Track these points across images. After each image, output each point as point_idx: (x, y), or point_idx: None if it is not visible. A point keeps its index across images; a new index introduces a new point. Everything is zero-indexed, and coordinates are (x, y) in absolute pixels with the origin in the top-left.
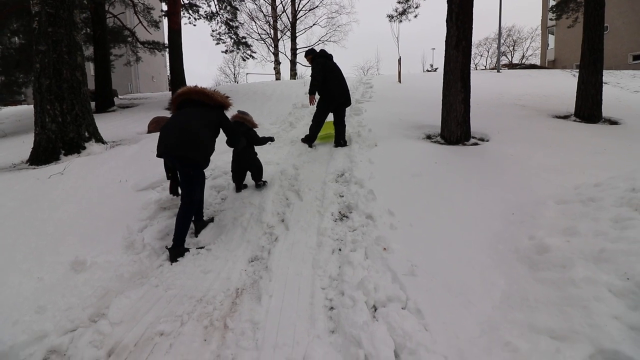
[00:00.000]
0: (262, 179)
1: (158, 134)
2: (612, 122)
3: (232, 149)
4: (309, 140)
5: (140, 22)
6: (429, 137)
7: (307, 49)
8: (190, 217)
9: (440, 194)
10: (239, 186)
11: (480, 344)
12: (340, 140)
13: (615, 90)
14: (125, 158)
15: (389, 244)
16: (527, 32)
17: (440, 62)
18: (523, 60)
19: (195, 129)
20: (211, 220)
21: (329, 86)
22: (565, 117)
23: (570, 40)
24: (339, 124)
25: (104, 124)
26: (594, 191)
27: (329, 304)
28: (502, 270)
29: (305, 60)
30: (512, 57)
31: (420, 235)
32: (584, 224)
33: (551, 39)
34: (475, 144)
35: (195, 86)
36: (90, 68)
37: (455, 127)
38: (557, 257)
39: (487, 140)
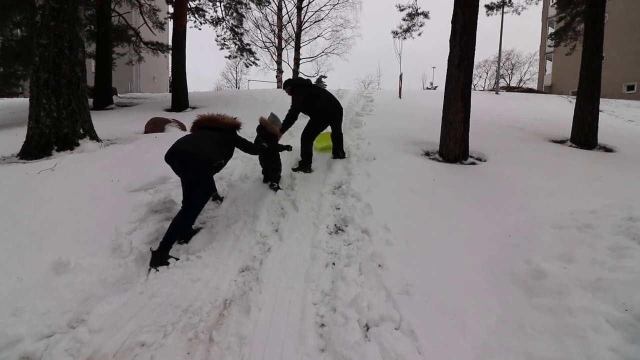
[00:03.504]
0: (276, 184)
1: (155, 134)
2: (607, 150)
3: None
4: (305, 165)
5: (146, 22)
6: (427, 153)
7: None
8: (185, 223)
9: (437, 212)
10: (265, 178)
11: None
12: (338, 152)
13: (611, 119)
14: (120, 157)
15: (384, 260)
16: (526, 56)
17: (440, 81)
18: (520, 84)
19: (203, 140)
20: (197, 230)
21: (320, 108)
22: (562, 141)
23: (568, 67)
24: (337, 136)
25: (101, 121)
26: (590, 218)
27: (320, 321)
28: (497, 293)
29: (286, 92)
30: (510, 80)
31: (416, 252)
32: (581, 251)
33: (549, 64)
34: (473, 163)
35: (205, 114)
36: (91, 65)
37: (454, 145)
38: (553, 283)
39: (485, 161)
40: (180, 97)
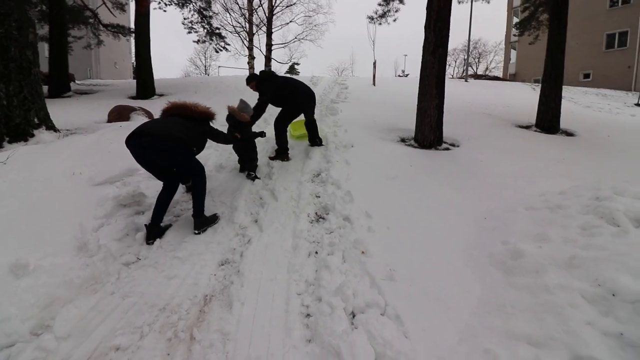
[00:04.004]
0: (253, 173)
1: (119, 123)
2: (569, 134)
3: None
4: (282, 153)
5: (104, 3)
6: (403, 140)
7: (254, 72)
8: (204, 188)
9: (415, 197)
10: (242, 167)
11: (460, 351)
12: (315, 139)
13: (570, 105)
14: (81, 148)
15: (367, 247)
16: (492, 45)
17: (411, 69)
18: (487, 72)
19: (174, 125)
20: (169, 225)
21: (297, 93)
22: (527, 127)
23: (531, 56)
24: (311, 123)
25: (58, 109)
26: (560, 199)
27: (306, 311)
28: (478, 275)
29: (250, 87)
30: (477, 69)
31: (398, 238)
32: (554, 231)
33: (513, 53)
34: (447, 148)
35: (176, 101)
36: (44, 49)
37: (429, 131)
38: (530, 262)
39: (458, 146)
40: (145, 84)
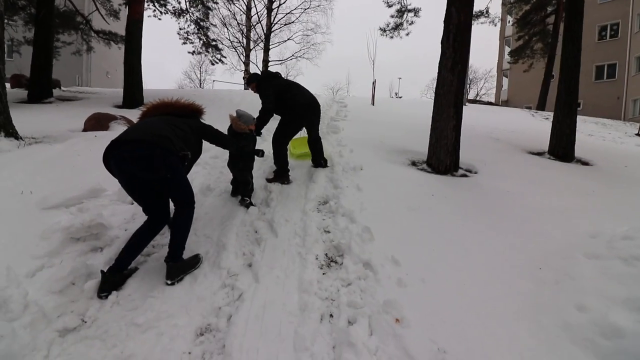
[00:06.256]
0: (248, 199)
1: (95, 133)
2: (584, 163)
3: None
4: (282, 175)
5: (98, 9)
6: (414, 163)
7: (253, 73)
8: (190, 222)
9: (446, 236)
10: (234, 190)
11: None
12: (320, 160)
13: None
14: (39, 160)
15: (402, 311)
16: (482, 72)
17: (404, 92)
18: (477, 98)
19: (158, 124)
20: (133, 271)
21: (297, 100)
22: (539, 153)
23: (523, 83)
24: (316, 142)
25: (32, 116)
26: (631, 247)
27: None
28: (559, 358)
29: (250, 89)
30: (468, 94)
31: (439, 296)
32: None
33: (505, 81)
34: (464, 175)
35: (153, 102)
36: (29, 52)
37: (445, 155)
38: (636, 346)
39: (475, 172)
40: (133, 92)
